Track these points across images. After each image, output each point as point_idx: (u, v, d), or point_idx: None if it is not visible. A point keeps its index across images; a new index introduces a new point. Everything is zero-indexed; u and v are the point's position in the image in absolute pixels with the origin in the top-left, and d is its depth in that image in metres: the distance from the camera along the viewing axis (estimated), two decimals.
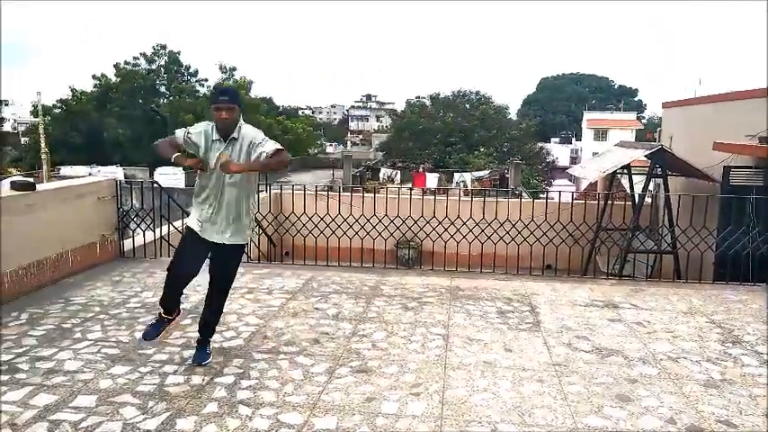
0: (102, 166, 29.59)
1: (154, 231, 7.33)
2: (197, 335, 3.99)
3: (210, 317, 3.94)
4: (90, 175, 22.02)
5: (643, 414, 3.34)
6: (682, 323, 4.94)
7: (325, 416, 3.24)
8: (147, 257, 7.02)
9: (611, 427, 3.18)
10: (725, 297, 5.73)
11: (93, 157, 35.27)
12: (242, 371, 3.79)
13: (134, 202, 7.69)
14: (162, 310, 3.85)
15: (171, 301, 3.84)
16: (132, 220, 7.07)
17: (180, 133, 3.73)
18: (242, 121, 3.71)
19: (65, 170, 28.41)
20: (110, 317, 4.78)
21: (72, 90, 41.51)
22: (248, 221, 3.84)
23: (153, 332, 3.82)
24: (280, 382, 3.65)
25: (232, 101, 3.62)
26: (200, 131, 3.69)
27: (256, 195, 4.00)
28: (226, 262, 3.84)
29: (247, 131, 3.69)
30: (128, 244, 7.10)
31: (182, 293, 3.88)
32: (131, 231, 7.20)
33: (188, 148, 3.72)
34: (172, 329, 4.03)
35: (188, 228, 3.79)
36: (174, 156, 3.59)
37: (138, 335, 4.17)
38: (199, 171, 3.65)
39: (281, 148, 3.61)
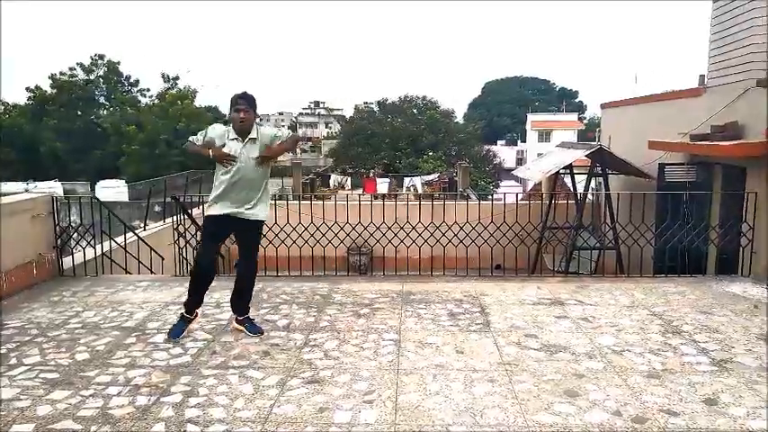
0: (39, 181, 28.39)
1: (94, 248, 7.06)
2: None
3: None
4: (26, 191, 21.06)
5: (591, 408, 3.42)
6: (625, 317, 5.11)
7: (277, 429, 3.19)
8: (87, 275, 6.76)
9: (560, 423, 3.25)
10: (664, 289, 5.96)
11: (30, 172, 33.83)
12: (190, 388, 3.69)
13: (73, 217, 7.41)
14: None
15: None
16: (71, 237, 6.80)
17: (199, 136, 4.36)
18: (257, 123, 4.35)
19: None
20: (48, 339, 4.57)
21: (3, 104, 39.74)
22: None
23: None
24: (230, 397, 3.57)
25: (249, 105, 4.23)
26: (218, 133, 4.32)
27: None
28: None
29: (264, 131, 4.36)
30: (67, 262, 6.82)
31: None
32: (71, 249, 6.93)
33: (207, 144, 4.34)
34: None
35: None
36: (209, 152, 4.21)
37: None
38: (227, 163, 4.22)
39: (294, 134, 4.66)
